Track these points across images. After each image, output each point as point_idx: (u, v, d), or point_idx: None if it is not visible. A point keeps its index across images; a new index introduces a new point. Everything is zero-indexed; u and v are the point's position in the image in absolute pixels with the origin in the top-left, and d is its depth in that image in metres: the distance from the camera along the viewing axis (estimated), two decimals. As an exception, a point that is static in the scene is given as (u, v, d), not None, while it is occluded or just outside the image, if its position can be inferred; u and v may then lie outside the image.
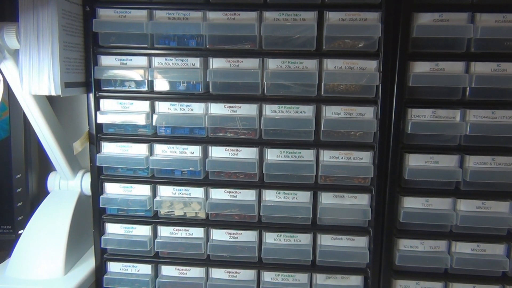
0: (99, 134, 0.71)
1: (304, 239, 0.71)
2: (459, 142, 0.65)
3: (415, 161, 0.66)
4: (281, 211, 0.69)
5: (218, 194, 0.71)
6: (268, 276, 0.72)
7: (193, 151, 0.69)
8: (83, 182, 0.78)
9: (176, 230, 0.72)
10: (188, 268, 0.74)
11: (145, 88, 0.69)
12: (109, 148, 0.71)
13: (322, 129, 0.66)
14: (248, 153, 0.69)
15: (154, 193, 0.72)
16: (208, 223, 0.72)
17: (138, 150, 0.70)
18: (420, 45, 0.63)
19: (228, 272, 0.73)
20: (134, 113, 0.69)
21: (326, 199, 0.69)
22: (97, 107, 0.70)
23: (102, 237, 0.73)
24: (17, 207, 0.84)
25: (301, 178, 0.69)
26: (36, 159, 0.87)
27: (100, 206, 0.72)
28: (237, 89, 0.67)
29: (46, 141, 0.72)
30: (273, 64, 0.65)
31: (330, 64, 0.65)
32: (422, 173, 0.66)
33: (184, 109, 0.68)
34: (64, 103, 0.87)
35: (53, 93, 0.63)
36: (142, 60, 0.68)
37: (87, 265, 0.75)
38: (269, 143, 0.68)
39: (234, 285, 0.72)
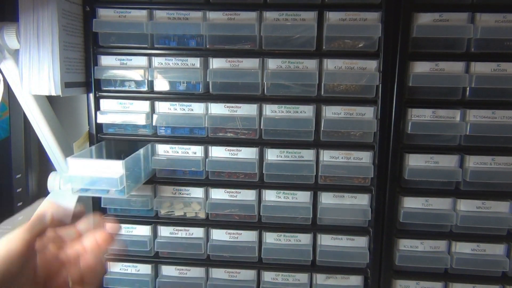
0: (99, 134, 0.71)
1: (304, 239, 0.71)
2: (459, 142, 0.65)
3: (415, 161, 0.66)
4: (281, 211, 0.69)
5: (218, 194, 0.71)
6: (268, 276, 0.72)
7: (195, 151, 0.69)
8: (83, 182, 0.78)
9: (176, 230, 0.72)
10: (188, 268, 0.73)
11: (145, 88, 0.69)
12: (109, 148, 0.71)
13: (322, 129, 0.66)
14: (248, 153, 0.69)
15: (155, 193, 0.72)
16: (208, 223, 0.72)
17: (138, 150, 0.70)
18: (420, 45, 0.63)
19: (228, 272, 0.73)
20: (134, 113, 0.69)
21: (326, 199, 0.69)
22: (97, 107, 0.70)
23: (102, 237, 0.73)
24: (17, 207, 0.84)
25: (301, 178, 0.69)
26: (36, 159, 0.87)
27: (102, 206, 0.72)
28: (237, 89, 0.67)
29: (46, 141, 0.72)
30: (273, 64, 0.65)
31: (330, 64, 0.65)
32: (422, 173, 0.66)
33: (184, 109, 0.68)
34: (64, 103, 0.87)
35: (53, 93, 0.63)
36: (142, 60, 0.68)
37: (87, 265, 0.75)
38: (269, 143, 0.68)
39: (234, 285, 0.72)
